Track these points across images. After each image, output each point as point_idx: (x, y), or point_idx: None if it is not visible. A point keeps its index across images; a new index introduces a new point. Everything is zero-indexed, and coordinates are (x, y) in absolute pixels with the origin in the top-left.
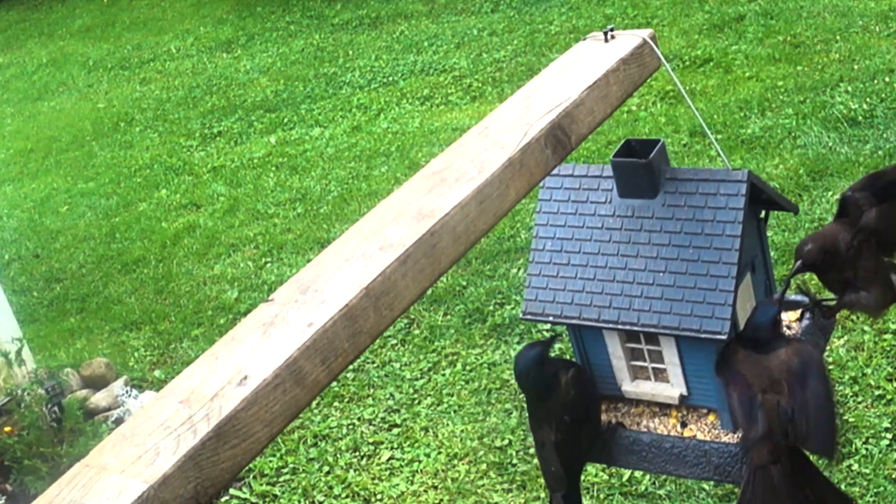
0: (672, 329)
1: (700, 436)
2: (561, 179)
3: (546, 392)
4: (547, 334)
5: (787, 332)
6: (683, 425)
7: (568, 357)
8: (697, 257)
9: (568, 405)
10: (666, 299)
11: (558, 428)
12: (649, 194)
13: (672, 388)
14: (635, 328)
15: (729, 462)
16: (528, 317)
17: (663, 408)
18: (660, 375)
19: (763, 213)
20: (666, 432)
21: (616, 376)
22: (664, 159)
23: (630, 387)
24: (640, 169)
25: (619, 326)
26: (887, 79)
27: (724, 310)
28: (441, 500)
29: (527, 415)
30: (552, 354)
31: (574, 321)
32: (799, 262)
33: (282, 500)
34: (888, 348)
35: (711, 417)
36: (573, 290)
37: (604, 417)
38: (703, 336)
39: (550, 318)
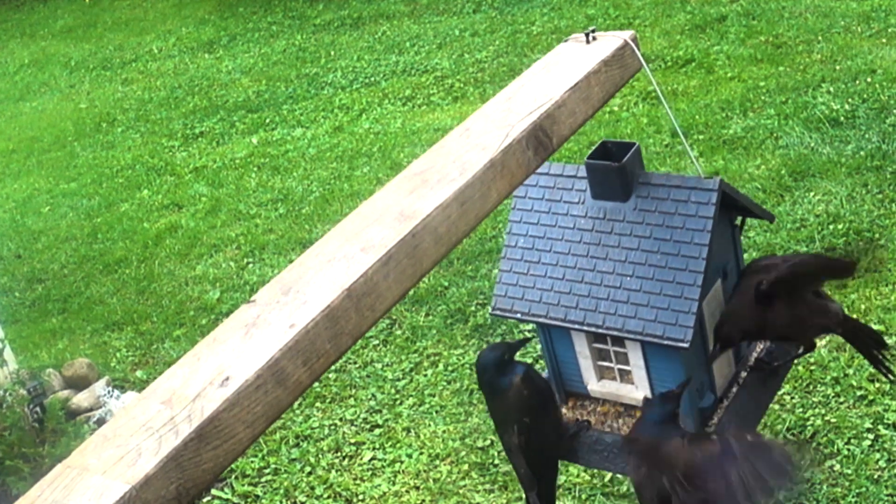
0: (636, 334)
1: None
2: (536, 177)
3: (500, 393)
4: (519, 335)
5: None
6: None
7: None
8: (665, 263)
9: (524, 406)
10: (632, 303)
11: (520, 431)
12: (622, 197)
13: (637, 391)
14: (600, 330)
15: None
16: (497, 312)
17: (629, 408)
18: (625, 377)
19: (739, 220)
20: None
21: (583, 375)
22: (638, 163)
23: (596, 386)
24: (614, 172)
25: (585, 328)
26: (869, 79)
27: (688, 318)
28: (423, 500)
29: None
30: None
31: (541, 319)
32: (717, 346)
33: (264, 501)
34: None
35: None
36: (542, 289)
37: (571, 415)
38: (665, 343)
39: (518, 316)
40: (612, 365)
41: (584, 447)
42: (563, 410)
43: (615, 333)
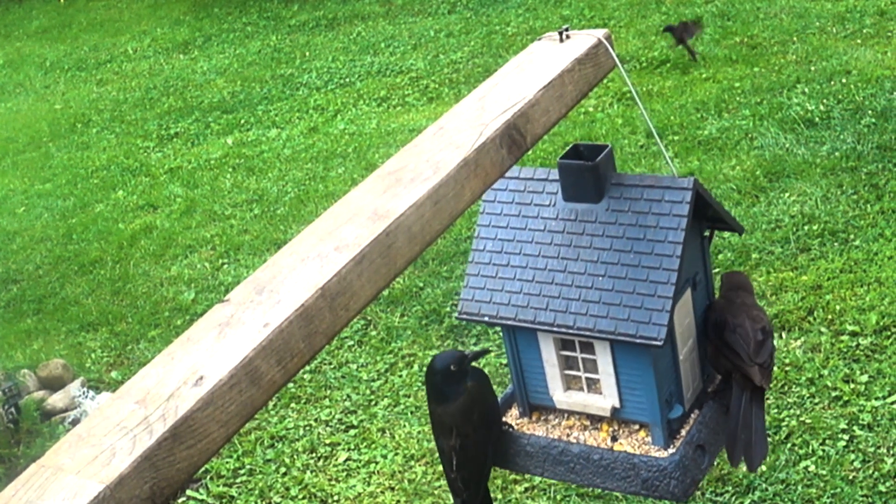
0: (607, 333)
1: (630, 450)
2: (506, 182)
3: (449, 397)
4: (495, 336)
5: None
6: (614, 439)
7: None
8: (638, 262)
9: (469, 412)
10: (603, 303)
11: (458, 434)
12: (594, 198)
13: (604, 400)
14: (570, 332)
15: (657, 476)
16: (464, 317)
17: (595, 421)
18: (593, 386)
19: (708, 232)
20: (596, 445)
21: (549, 385)
22: (611, 164)
23: (562, 397)
24: (587, 172)
25: (555, 329)
26: (844, 80)
27: (662, 316)
28: (398, 501)
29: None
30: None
31: (509, 322)
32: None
33: (238, 502)
34: (845, 350)
35: (643, 433)
36: (510, 292)
37: (540, 430)
38: (638, 341)
39: (486, 319)
40: (579, 374)
41: (549, 459)
42: (529, 423)
43: (587, 334)
